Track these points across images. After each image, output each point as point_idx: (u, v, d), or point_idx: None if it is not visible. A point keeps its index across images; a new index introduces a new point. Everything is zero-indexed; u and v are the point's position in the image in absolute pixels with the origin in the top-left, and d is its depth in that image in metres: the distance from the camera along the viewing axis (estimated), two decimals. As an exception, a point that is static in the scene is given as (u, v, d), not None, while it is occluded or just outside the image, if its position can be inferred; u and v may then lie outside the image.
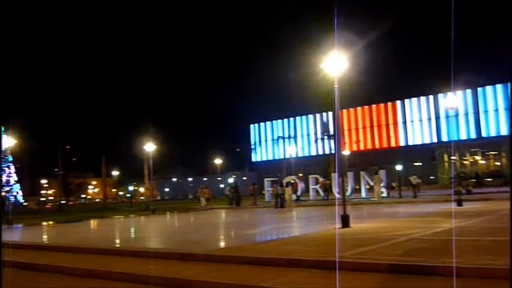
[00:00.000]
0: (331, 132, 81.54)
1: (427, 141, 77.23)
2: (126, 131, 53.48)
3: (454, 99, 32.79)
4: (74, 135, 63.15)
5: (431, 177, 66.42)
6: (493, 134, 66.92)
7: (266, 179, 41.03)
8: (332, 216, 15.68)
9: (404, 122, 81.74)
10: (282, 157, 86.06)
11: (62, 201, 73.56)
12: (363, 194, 35.19)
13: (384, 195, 33.27)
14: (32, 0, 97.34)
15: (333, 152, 71.65)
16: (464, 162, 68.18)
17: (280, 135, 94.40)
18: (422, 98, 78.64)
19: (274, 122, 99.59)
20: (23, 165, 71.56)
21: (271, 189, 36.43)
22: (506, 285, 4.62)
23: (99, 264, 10.00)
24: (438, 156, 72.27)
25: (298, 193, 36.28)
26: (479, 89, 69.11)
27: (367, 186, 35.55)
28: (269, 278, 7.47)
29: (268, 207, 32.23)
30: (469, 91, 69.15)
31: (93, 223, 25.69)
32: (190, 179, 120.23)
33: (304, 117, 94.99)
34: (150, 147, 36.06)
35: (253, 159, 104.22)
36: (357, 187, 37.77)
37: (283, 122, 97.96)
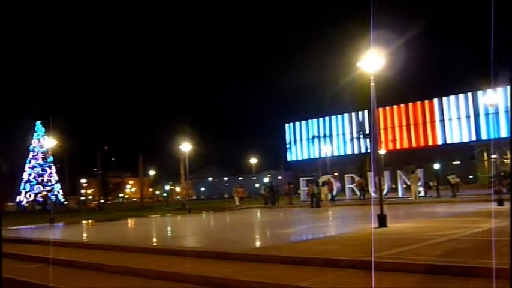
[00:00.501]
0: (367, 131, 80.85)
1: (465, 139, 75.61)
2: (163, 131, 54.27)
3: (493, 96, 31.90)
4: (112, 135, 64.45)
5: (470, 177, 64.99)
6: (535, 131, 64.88)
7: (301, 178, 40.90)
8: (368, 215, 15.53)
9: (442, 120, 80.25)
10: (317, 156, 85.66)
11: (101, 201, 75.07)
12: (400, 193, 34.66)
13: (422, 194, 32.70)
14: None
15: (368, 150, 70.96)
16: (505, 161, 66.45)
17: (316, 134, 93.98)
18: (461, 96, 77.02)
19: (309, 121, 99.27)
20: (64, 166, 73.30)
21: (306, 188, 36.31)
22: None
23: (137, 262, 10.17)
24: (477, 154, 70.66)
25: (334, 193, 36.03)
26: (521, 86, 67.14)
27: (404, 186, 34.99)
28: (305, 278, 7.46)
29: (304, 206, 32.13)
30: (509, 88, 67.18)
31: (130, 222, 26.15)
32: (225, 179, 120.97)
33: (339, 116, 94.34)
34: (186, 146, 36.43)
35: (288, 159, 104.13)
36: (394, 186, 37.25)
37: (318, 121, 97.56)
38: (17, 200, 79.37)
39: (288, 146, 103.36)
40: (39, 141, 78.64)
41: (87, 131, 63.51)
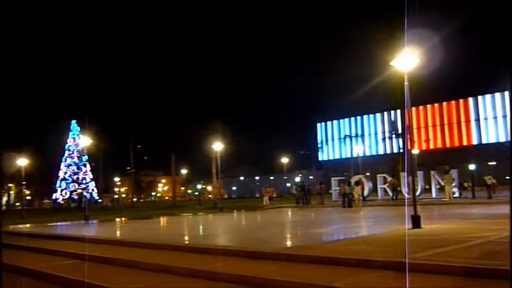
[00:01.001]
0: (399, 131, 79.80)
1: (502, 139, 73.79)
2: (195, 131, 54.59)
3: (532, 95, 31.02)
4: (146, 135, 65.18)
5: (506, 177, 63.37)
6: None
7: (333, 178, 40.66)
8: (401, 216, 15.34)
9: (478, 120, 78.61)
10: (348, 156, 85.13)
11: (134, 199, 76.21)
12: (434, 194, 34.10)
13: (456, 195, 32.10)
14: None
15: (401, 150, 70.05)
16: (544, 161, 64.64)
17: (347, 133, 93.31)
18: (497, 94, 75.25)
19: (341, 120, 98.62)
20: (98, 164, 74.72)
21: (338, 188, 36.09)
22: None
23: (169, 260, 10.29)
24: (514, 155, 68.77)
25: (365, 193, 35.70)
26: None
27: (438, 186, 34.40)
28: (338, 278, 7.42)
29: (335, 206, 31.95)
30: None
31: (163, 220, 26.47)
32: (257, 178, 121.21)
33: (371, 115, 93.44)
34: (218, 146, 36.65)
35: (319, 158, 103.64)
36: (427, 187, 36.68)
37: (350, 121, 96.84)
38: (53, 197, 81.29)
39: (319, 145, 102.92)
40: (74, 140, 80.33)
41: (121, 130, 64.36)
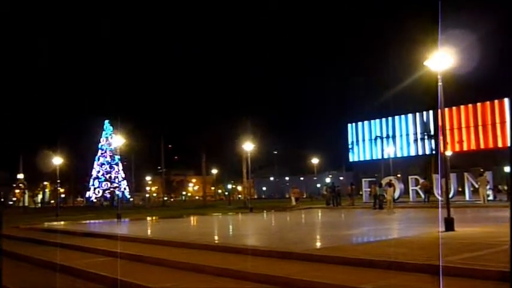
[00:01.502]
0: (432, 132, 78.56)
1: (539, 141, 71.76)
2: (226, 131, 54.87)
3: None
4: (176, 134, 65.79)
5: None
6: None
7: (364, 179, 40.27)
8: (434, 219, 15.09)
9: (514, 121, 76.71)
10: (379, 157, 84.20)
11: (164, 198, 77.00)
12: (467, 196, 33.44)
13: (491, 198, 31.41)
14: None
15: (433, 152, 68.95)
16: None
17: (378, 134, 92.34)
18: (534, 95, 73.25)
19: (372, 121, 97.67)
20: (130, 163, 75.72)
21: (368, 189, 35.74)
22: None
23: (199, 259, 10.35)
24: (552, 157, 66.96)
25: (396, 195, 35.23)
26: None
27: (472, 189, 33.71)
28: (369, 281, 7.35)
29: (366, 208, 31.65)
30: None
31: (193, 219, 26.65)
32: (287, 178, 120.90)
33: (403, 116, 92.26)
34: (248, 146, 36.71)
35: (350, 159, 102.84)
36: (460, 189, 36.00)
37: (381, 122, 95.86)
38: (86, 195, 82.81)
39: (350, 146, 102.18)
40: (107, 140, 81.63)
41: (152, 130, 65.14)
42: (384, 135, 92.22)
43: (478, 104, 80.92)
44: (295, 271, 8.35)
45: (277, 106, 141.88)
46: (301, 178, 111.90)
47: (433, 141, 75.72)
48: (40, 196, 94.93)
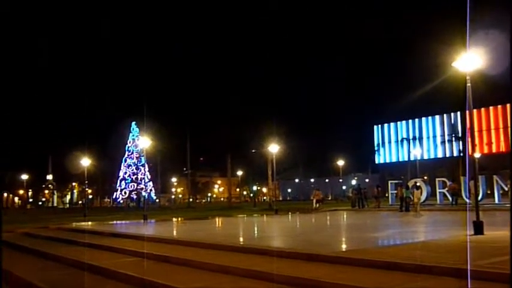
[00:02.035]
0: (459, 134, 77.38)
1: None
2: (252, 133, 55.02)
3: None
4: (202, 136, 66.03)
5: None
6: None
7: (390, 181, 39.87)
8: (462, 222, 14.87)
9: (545, 122, 74.94)
10: (406, 159, 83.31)
11: (190, 199, 77.49)
12: (496, 199, 32.78)
13: (521, 201, 30.72)
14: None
15: (461, 154, 67.92)
16: None
17: (405, 136, 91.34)
18: None
19: (398, 123, 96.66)
20: (156, 165, 76.46)
21: (395, 191, 35.36)
22: None
23: (225, 260, 10.41)
24: None
25: (423, 197, 34.76)
26: None
27: (501, 191, 33.04)
28: (396, 284, 7.30)
29: (392, 210, 31.34)
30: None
31: (218, 221, 26.77)
32: (312, 180, 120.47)
33: (430, 118, 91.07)
34: (274, 148, 36.73)
35: (376, 161, 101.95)
36: (489, 192, 35.33)
37: (407, 123, 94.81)
38: (113, 196, 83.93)
39: (376, 148, 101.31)
40: (134, 141, 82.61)
41: (178, 131, 65.59)
42: (411, 136, 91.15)
43: (508, 105, 79.36)
44: (321, 273, 8.33)
45: (303, 108, 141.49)
46: (327, 180, 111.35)
47: (460, 142, 74.61)
48: (68, 197, 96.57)
